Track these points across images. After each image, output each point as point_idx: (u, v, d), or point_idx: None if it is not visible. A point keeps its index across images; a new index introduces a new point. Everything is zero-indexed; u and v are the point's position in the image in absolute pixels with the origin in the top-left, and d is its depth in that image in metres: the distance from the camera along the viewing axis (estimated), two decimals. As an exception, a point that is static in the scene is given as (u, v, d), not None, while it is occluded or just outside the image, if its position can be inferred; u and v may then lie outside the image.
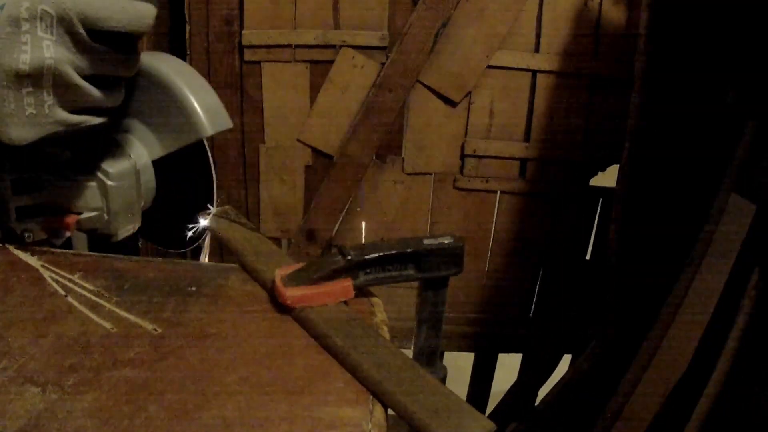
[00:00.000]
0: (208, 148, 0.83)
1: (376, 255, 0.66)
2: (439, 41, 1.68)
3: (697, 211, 1.45)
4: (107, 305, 0.63)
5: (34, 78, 0.53)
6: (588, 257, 1.92)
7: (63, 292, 0.64)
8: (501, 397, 2.00)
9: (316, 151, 1.79)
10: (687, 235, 1.46)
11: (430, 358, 0.74)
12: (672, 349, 1.40)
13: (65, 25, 0.52)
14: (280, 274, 0.65)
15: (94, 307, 0.63)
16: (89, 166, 0.71)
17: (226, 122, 0.80)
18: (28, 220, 0.71)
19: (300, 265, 0.67)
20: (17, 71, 0.52)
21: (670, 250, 1.49)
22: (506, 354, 2.03)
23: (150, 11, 0.60)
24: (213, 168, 0.83)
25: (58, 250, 0.74)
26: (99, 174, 0.71)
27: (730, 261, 1.28)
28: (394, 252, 0.66)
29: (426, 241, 0.68)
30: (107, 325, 0.60)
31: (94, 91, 0.59)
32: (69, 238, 0.78)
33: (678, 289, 1.45)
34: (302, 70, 1.72)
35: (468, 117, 1.76)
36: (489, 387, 2.05)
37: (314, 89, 1.73)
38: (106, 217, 0.73)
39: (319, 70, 1.72)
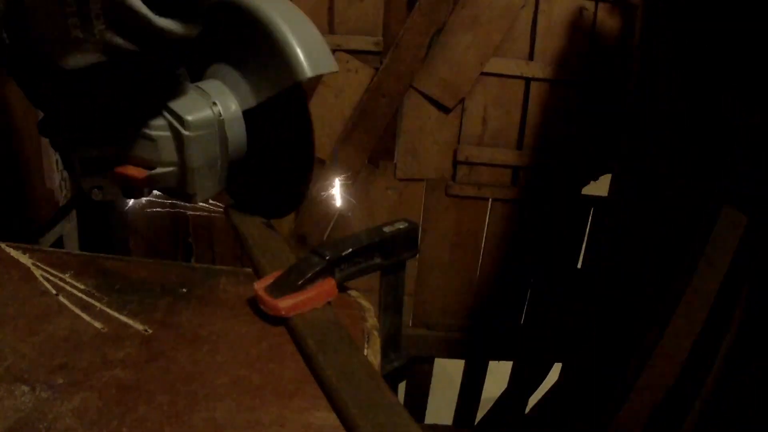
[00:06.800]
0: (305, 97, 0.71)
1: (351, 250, 0.67)
2: (434, 47, 1.68)
3: (690, 221, 1.45)
4: (98, 305, 0.63)
5: (80, 1, 0.49)
6: (579, 266, 1.93)
7: (54, 291, 0.64)
8: (491, 404, 1.99)
9: (309, 155, 1.79)
10: (679, 245, 1.47)
11: (395, 341, 0.76)
12: (662, 359, 1.41)
13: None
14: (261, 287, 0.64)
15: (85, 307, 0.62)
16: (163, 112, 0.61)
17: (329, 64, 0.66)
18: (96, 176, 0.64)
19: (276, 274, 0.66)
20: None
21: (661, 260, 1.49)
22: (496, 362, 2.03)
23: None
24: (311, 122, 0.70)
25: (50, 249, 0.73)
26: (174, 122, 0.61)
27: (721, 272, 1.28)
28: (365, 244, 0.68)
29: (386, 229, 0.70)
30: (98, 324, 0.60)
31: (155, 17, 0.51)
32: (60, 237, 0.76)
33: (669, 299, 1.45)
34: (297, 73, 1.72)
35: (461, 123, 1.76)
36: (479, 394, 2.05)
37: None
38: (182, 173, 0.63)
39: (314, 73, 1.71)
